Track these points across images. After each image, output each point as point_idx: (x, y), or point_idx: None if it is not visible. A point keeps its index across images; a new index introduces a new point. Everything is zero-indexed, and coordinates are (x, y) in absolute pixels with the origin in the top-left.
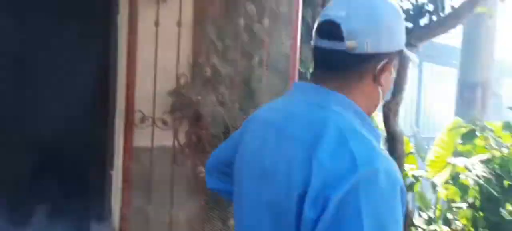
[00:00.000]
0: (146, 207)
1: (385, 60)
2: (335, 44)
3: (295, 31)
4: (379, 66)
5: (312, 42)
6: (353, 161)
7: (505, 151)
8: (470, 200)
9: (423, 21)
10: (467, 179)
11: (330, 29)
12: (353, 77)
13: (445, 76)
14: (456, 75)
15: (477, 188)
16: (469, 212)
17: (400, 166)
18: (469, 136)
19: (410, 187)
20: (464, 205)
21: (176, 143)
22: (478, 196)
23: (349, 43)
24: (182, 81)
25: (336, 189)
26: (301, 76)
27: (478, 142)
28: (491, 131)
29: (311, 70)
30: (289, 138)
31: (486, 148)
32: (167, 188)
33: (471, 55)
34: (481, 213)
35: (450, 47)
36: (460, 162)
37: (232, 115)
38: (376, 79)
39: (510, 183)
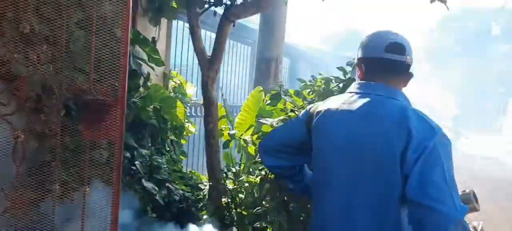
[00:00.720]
0: None
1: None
2: (399, 57)
3: None
4: (409, 72)
5: (375, 55)
6: (431, 127)
7: (297, 112)
8: None
9: (239, 0)
10: None
11: (398, 48)
12: (401, 78)
13: (242, 52)
14: (250, 52)
15: None
16: None
17: (215, 128)
18: (276, 97)
19: (226, 145)
20: None
21: None
22: None
23: (408, 58)
24: None
25: (428, 141)
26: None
27: (279, 105)
28: (291, 95)
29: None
30: (381, 119)
31: (282, 111)
32: None
33: (267, 35)
34: None
35: (246, 27)
36: (267, 121)
37: (50, 75)
38: (406, 82)
39: None
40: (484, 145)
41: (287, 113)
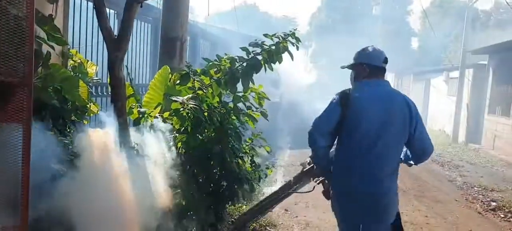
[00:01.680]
0: None
1: None
2: (385, 66)
3: None
4: None
5: (377, 64)
6: (414, 103)
7: (205, 90)
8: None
9: None
10: (185, 111)
11: (386, 61)
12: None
13: (142, 30)
14: (150, 29)
15: (191, 117)
16: (183, 136)
17: (123, 107)
18: (185, 78)
19: (136, 122)
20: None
21: None
22: (189, 124)
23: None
24: None
25: (417, 112)
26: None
27: (189, 84)
28: (199, 75)
29: None
30: (397, 103)
31: (190, 89)
32: None
33: (171, 15)
34: (190, 136)
35: (145, 3)
36: (178, 99)
37: None
38: None
39: (207, 113)
40: None
41: (195, 91)
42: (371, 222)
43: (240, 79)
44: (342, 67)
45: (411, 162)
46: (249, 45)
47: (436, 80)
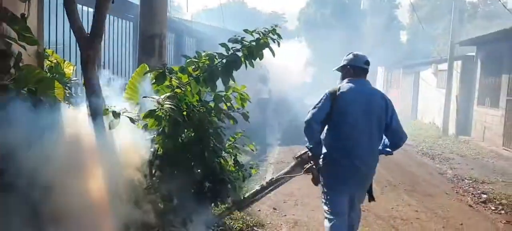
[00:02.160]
0: None
1: None
2: (367, 67)
3: None
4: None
5: (360, 65)
6: (389, 98)
7: (183, 89)
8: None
9: None
10: (161, 112)
11: (368, 63)
12: (366, 77)
13: (123, 28)
14: (132, 27)
15: (167, 118)
16: (159, 138)
17: (99, 107)
18: (161, 77)
19: (112, 124)
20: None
21: None
22: (166, 124)
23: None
24: None
25: (392, 106)
26: None
27: (165, 83)
28: (176, 73)
29: None
30: (375, 98)
31: (168, 88)
32: None
33: (149, 12)
34: (167, 137)
35: (126, 1)
36: (154, 99)
37: None
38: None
39: (186, 112)
40: None
41: (173, 90)
42: (361, 193)
43: (220, 77)
44: (333, 70)
45: (388, 150)
46: (229, 41)
47: (425, 73)
